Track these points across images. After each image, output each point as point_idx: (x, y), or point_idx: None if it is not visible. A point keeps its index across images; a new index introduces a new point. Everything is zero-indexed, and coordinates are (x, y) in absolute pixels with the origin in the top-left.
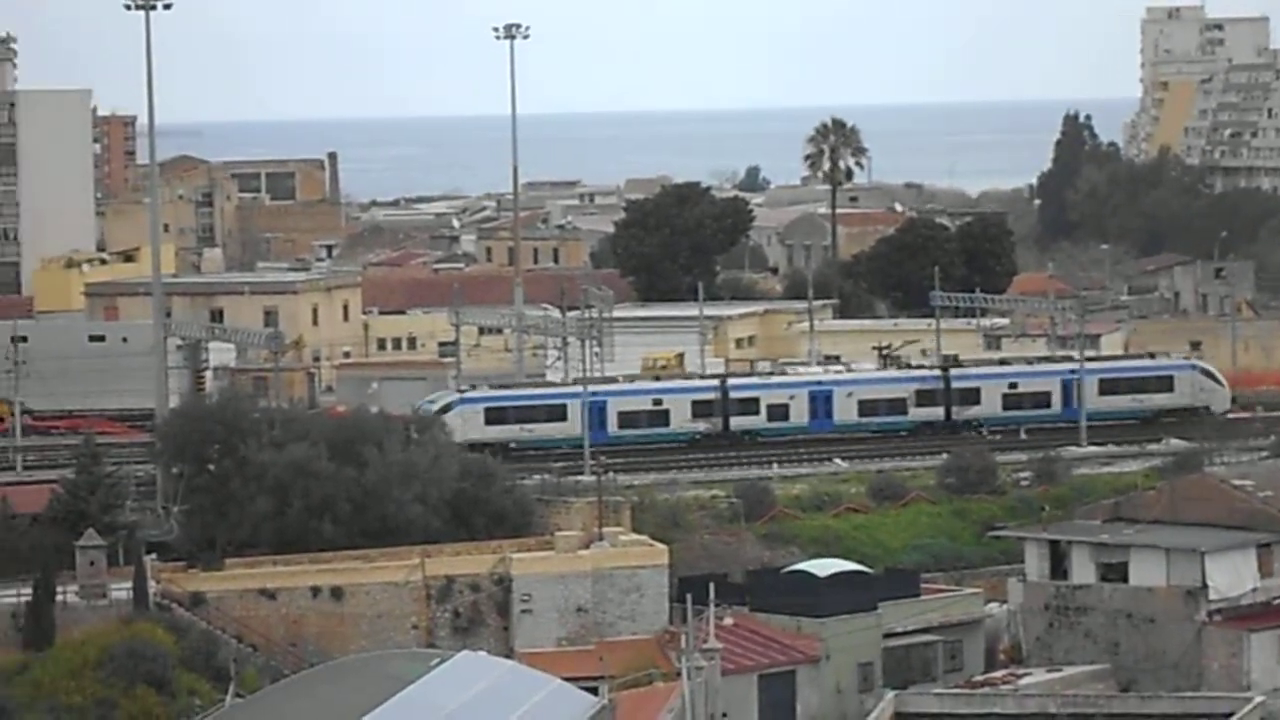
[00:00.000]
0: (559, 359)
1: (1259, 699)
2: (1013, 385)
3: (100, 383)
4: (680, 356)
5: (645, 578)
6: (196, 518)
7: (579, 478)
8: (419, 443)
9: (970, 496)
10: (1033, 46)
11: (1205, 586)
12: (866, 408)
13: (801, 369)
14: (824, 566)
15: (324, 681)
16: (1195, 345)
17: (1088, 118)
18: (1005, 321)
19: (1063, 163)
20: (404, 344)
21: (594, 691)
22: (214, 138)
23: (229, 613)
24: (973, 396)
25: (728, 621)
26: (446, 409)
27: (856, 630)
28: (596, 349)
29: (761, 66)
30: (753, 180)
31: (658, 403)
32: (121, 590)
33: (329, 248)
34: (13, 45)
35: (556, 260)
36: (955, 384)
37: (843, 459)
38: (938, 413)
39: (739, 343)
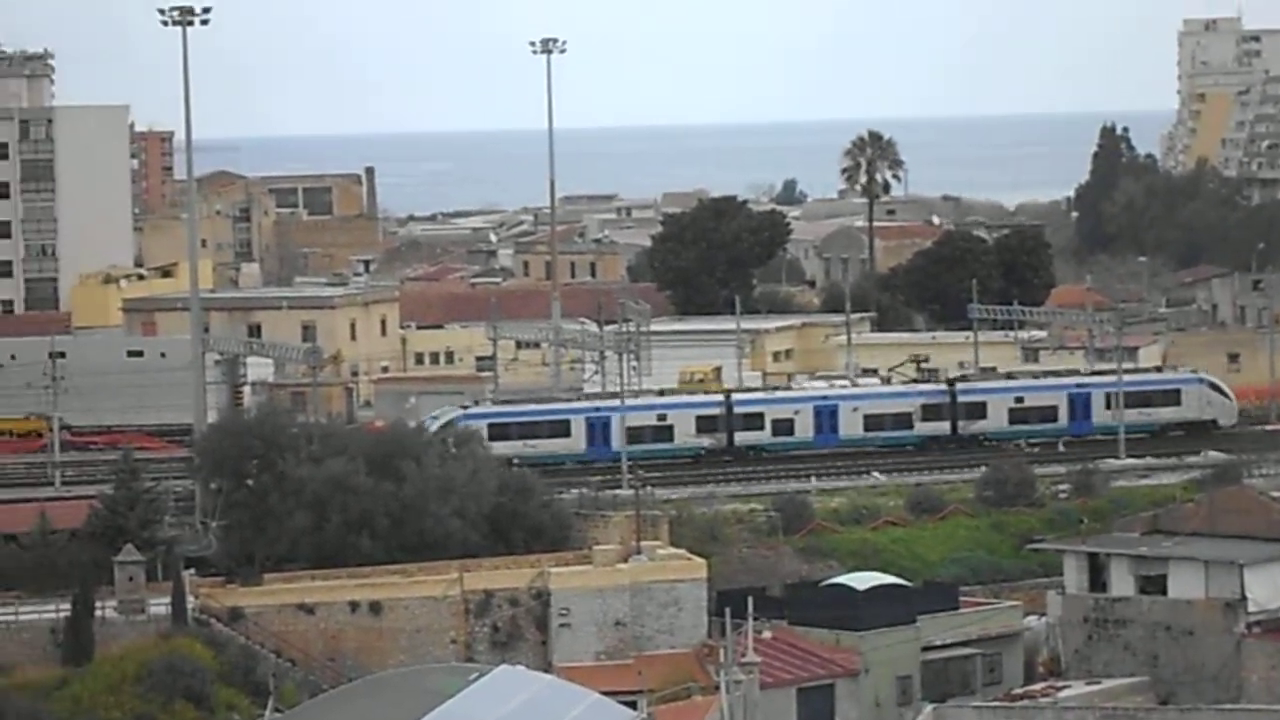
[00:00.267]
0: (596, 373)
1: None
2: (1019, 399)
3: (138, 398)
4: (717, 370)
5: (683, 591)
6: (235, 533)
7: (617, 491)
8: (457, 457)
9: (1009, 509)
10: (1070, 59)
11: (1244, 599)
12: (872, 422)
13: (808, 384)
14: (862, 580)
15: (362, 696)
16: (1233, 358)
17: (1125, 130)
18: (1043, 334)
19: (1100, 175)
20: (441, 358)
21: (633, 706)
22: (251, 153)
23: (267, 628)
24: (979, 411)
25: (766, 635)
26: (449, 425)
27: (895, 644)
28: (634, 363)
29: (798, 80)
30: (790, 193)
31: (662, 418)
32: (160, 605)
33: (366, 262)
34: (50, 61)
35: (594, 274)
36: (961, 398)
37: (881, 472)
38: (944, 427)
39: (776, 356)
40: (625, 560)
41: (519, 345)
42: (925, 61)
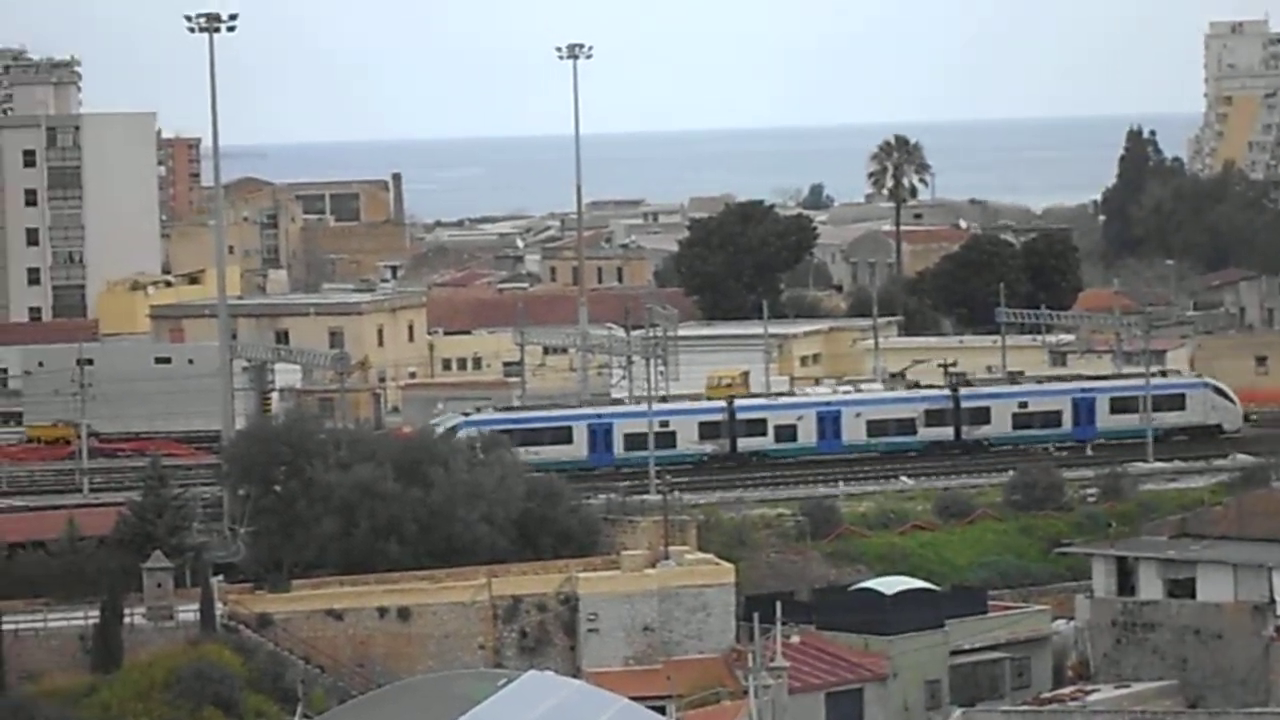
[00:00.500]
0: (623, 378)
1: None
2: (1023, 405)
3: (166, 405)
4: (745, 375)
5: (712, 596)
6: (263, 539)
7: (644, 497)
8: (485, 463)
9: (1037, 513)
10: (1096, 62)
11: (1273, 601)
12: (875, 428)
13: (811, 390)
14: (891, 584)
15: (391, 702)
16: (1260, 360)
17: (1152, 133)
18: (1071, 338)
19: (1127, 178)
20: (469, 364)
21: (661, 711)
22: (279, 159)
23: (296, 634)
24: (982, 416)
25: (794, 640)
26: (452, 431)
27: (923, 648)
28: (661, 368)
29: (825, 83)
30: (817, 198)
31: (664, 425)
32: (189, 612)
33: (394, 268)
34: (77, 69)
35: (621, 279)
36: (965, 404)
37: (909, 476)
38: (947, 433)
39: (804, 361)
40: (653, 565)
41: (546, 351)
42: (952, 66)
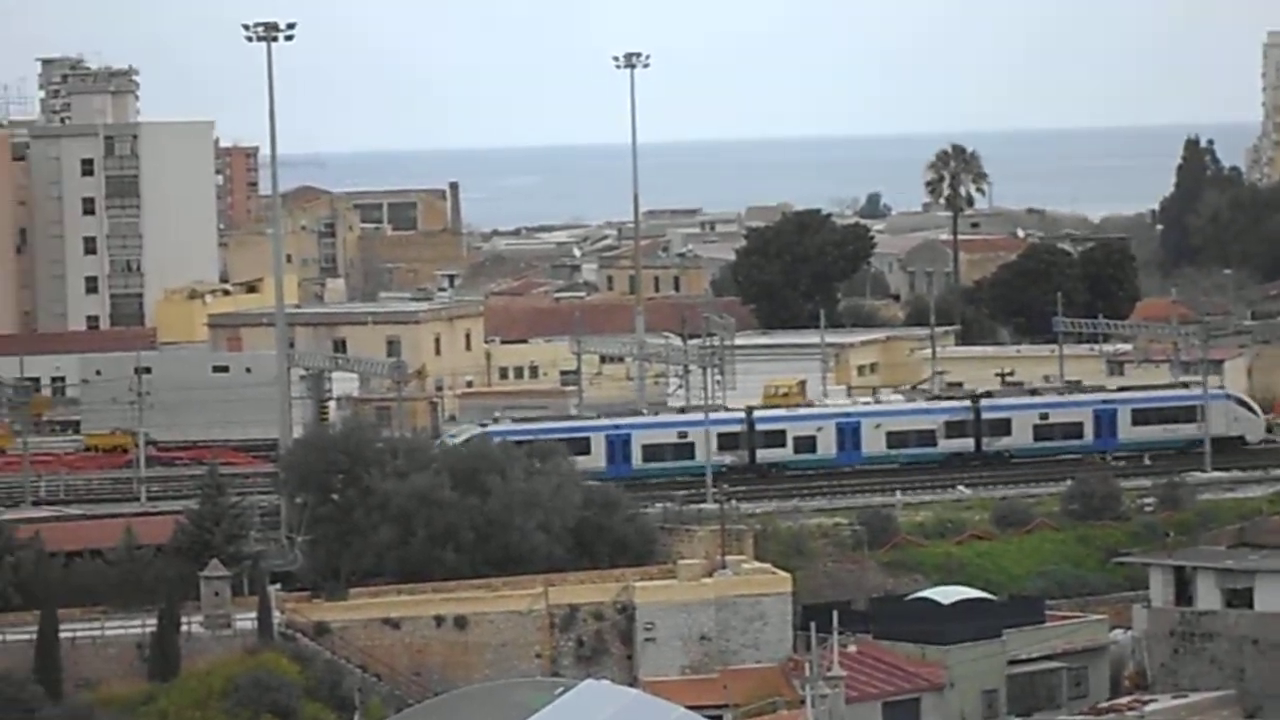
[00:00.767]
0: (680, 387)
1: None
2: (1044, 416)
3: (224, 413)
4: (802, 384)
5: (768, 605)
6: (320, 547)
7: (701, 506)
8: (542, 471)
9: (1094, 523)
10: (1154, 72)
11: None
12: (895, 439)
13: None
14: (948, 594)
15: (448, 711)
16: None
17: (1210, 142)
18: (1128, 347)
19: (1185, 188)
20: (526, 373)
21: None
22: (336, 168)
23: (353, 642)
24: (1003, 428)
25: (851, 649)
26: (467, 442)
27: (981, 657)
28: (718, 377)
29: (881, 93)
30: (874, 207)
31: (683, 435)
32: (246, 620)
33: (451, 277)
34: (135, 78)
35: (677, 288)
36: (985, 415)
37: (966, 486)
38: (968, 444)
39: (861, 370)
40: (710, 574)
41: (603, 359)
42: (1010, 75)
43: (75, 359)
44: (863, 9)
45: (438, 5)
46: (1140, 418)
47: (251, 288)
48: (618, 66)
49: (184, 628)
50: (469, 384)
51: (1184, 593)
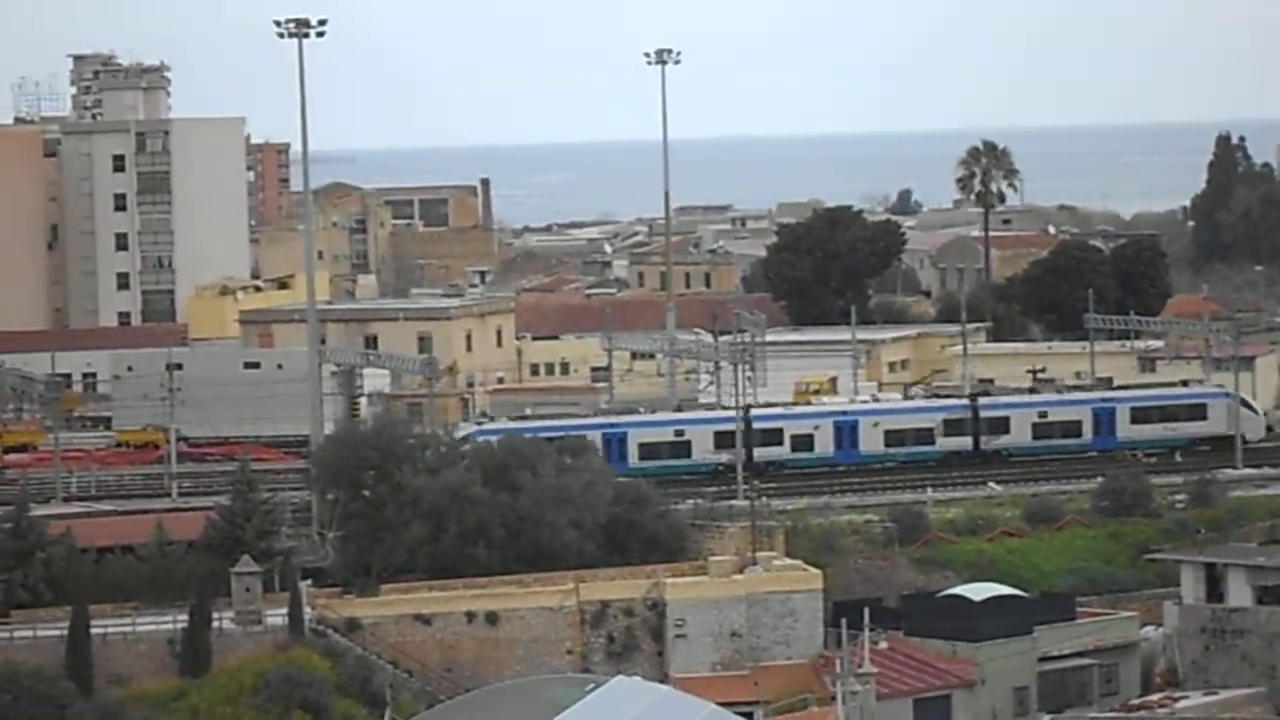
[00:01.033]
0: (711, 384)
1: None
2: (1042, 414)
3: (255, 409)
4: (833, 381)
5: (799, 602)
6: (352, 543)
7: (732, 502)
8: (573, 468)
9: (1125, 520)
10: (1185, 68)
11: None
12: (893, 438)
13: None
14: (979, 590)
15: (479, 707)
16: None
17: (1241, 139)
18: (1160, 344)
19: (1216, 184)
20: (557, 369)
21: (749, 716)
22: (367, 164)
23: (384, 638)
24: (1001, 426)
25: (882, 646)
26: (464, 440)
27: (1012, 654)
28: (749, 373)
29: (913, 88)
30: (905, 203)
31: (679, 434)
32: (277, 616)
33: (482, 273)
34: (166, 74)
35: (708, 285)
36: (983, 413)
37: (997, 483)
38: (966, 443)
39: (892, 367)
40: (741, 571)
41: (634, 356)
42: (1041, 71)
43: (106, 355)
44: (888, 5)
45: (471, 3)
46: (1140, 416)
47: (283, 284)
48: (649, 63)
49: (215, 624)
50: (500, 380)
51: (1215, 589)
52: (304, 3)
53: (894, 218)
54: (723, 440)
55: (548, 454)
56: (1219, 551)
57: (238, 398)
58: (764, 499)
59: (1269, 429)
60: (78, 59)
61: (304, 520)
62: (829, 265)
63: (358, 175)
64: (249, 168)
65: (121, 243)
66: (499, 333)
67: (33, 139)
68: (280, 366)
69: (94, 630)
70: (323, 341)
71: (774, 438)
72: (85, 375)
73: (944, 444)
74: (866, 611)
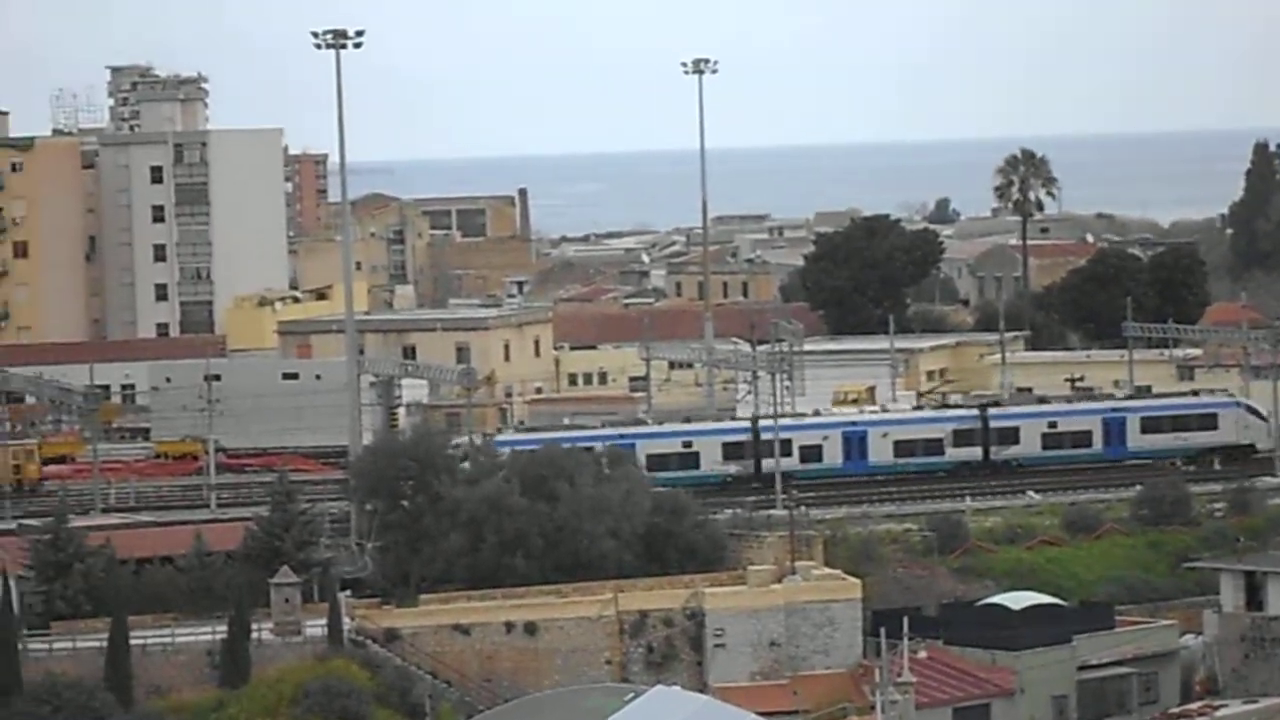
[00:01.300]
0: (749, 393)
1: None
2: (1052, 424)
3: (294, 420)
4: (871, 390)
5: (838, 611)
6: (390, 554)
7: (771, 512)
8: (611, 478)
9: (1164, 528)
10: (1222, 76)
11: None
12: (902, 448)
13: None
14: (1018, 599)
15: (519, 717)
16: None
17: (1278, 147)
18: (1198, 352)
19: (1254, 192)
20: (595, 379)
21: None
22: (405, 175)
23: (423, 649)
24: (1011, 436)
25: (922, 655)
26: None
27: (1051, 663)
28: (787, 383)
29: (950, 97)
30: (943, 212)
31: (688, 445)
32: (316, 627)
33: (520, 284)
34: (204, 85)
35: (746, 294)
36: (993, 423)
37: (1036, 491)
38: (976, 453)
39: (930, 375)
40: (780, 580)
41: (672, 366)
42: (1078, 80)
43: (145, 366)
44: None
45: (506, 14)
46: (1150, 426)
47: (321, 295)
48: (686, 72)
49: (254, 634)
50: (538, 390)
51: (1255, 598)
52: (340, 14)
53: (932, 227)
54: (731, 451)
55: (586, 464)
56: (1258, 559)
57: (276, 409)
58: (803, 508)
59: None
60: (115, 71)
61: (342, 531)
62: (867, 274)
63: (395, 186)
64: (287, 179)
65: (160, 254)
66: (537, 343)
67: (71, 151)
68: (319, 377)
69: (133, 641)
70: (361, 352)
71: (782, 449)
72: (124, 387)
73: (954, 454)
74: (905, 621)
